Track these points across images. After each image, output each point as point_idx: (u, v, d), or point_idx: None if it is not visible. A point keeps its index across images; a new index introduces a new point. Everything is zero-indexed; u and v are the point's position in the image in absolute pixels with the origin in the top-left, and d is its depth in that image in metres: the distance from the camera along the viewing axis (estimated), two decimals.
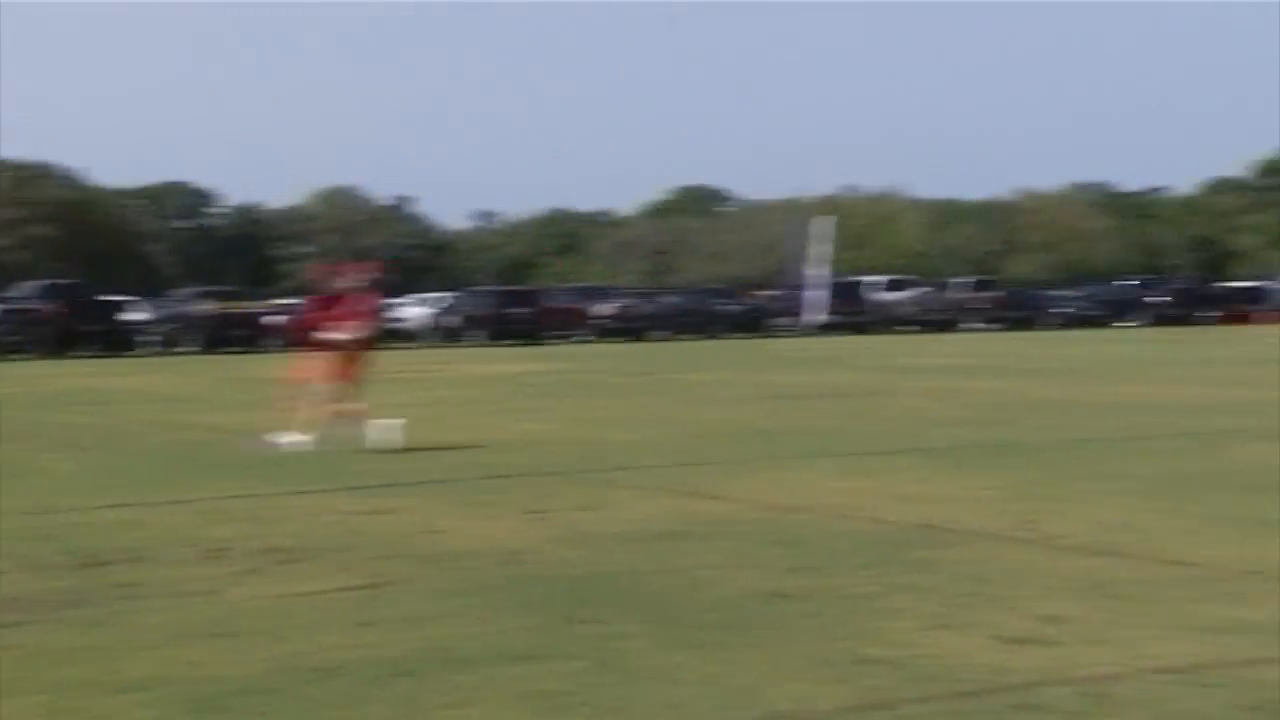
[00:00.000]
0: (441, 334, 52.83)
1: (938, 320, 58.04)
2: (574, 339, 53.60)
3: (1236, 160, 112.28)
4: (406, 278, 66.47)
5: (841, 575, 8.30)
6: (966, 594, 7.75)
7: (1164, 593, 7.70)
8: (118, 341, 48.30)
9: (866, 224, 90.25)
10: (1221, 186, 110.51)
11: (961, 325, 57.87)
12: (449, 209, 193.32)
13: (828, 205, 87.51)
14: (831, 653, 6.56)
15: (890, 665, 6.33)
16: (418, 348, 47.83)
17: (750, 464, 13.80)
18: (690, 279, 77.97)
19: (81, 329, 47.99)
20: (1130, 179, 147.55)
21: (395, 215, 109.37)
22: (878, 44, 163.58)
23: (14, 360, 45.40)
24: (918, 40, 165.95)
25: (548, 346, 49.38)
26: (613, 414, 20.00)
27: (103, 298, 51.38)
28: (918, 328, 57.38)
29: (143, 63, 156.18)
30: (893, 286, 60.83)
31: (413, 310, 55.12)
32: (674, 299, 59.16)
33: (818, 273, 60.08)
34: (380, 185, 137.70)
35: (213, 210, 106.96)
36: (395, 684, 6.15)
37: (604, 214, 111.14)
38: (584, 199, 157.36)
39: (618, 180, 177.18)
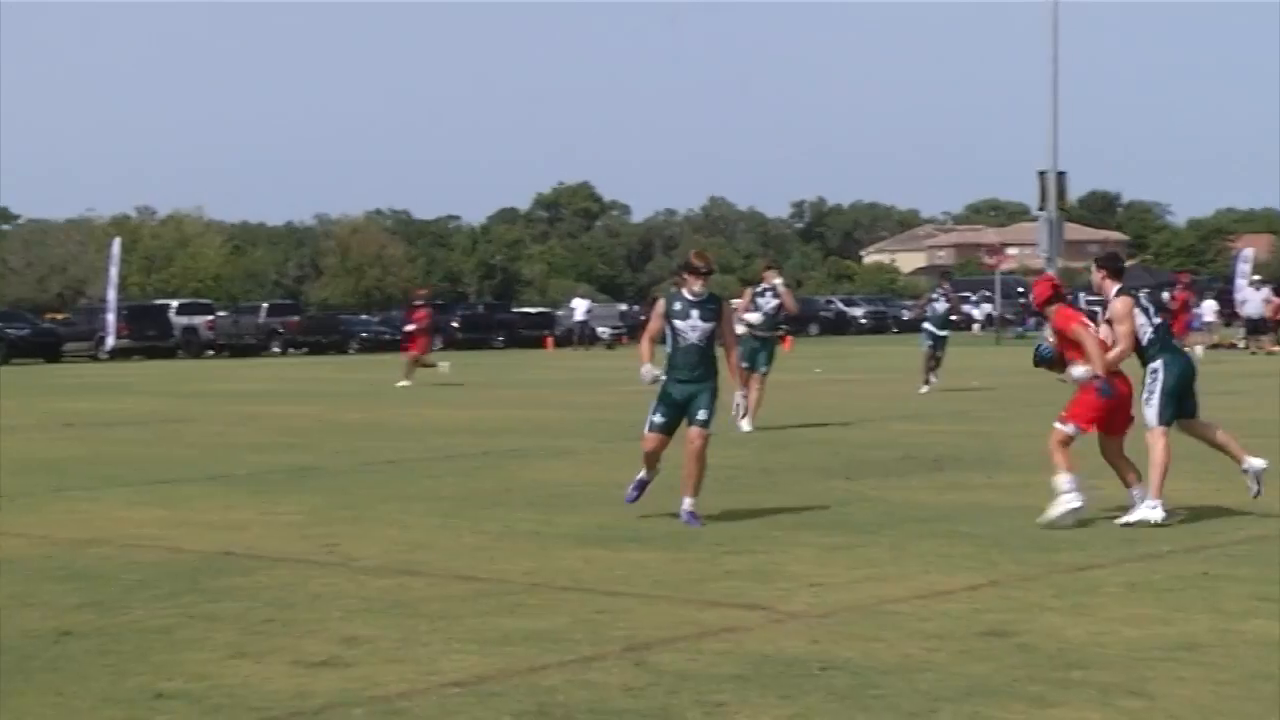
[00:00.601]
0: None
1: (240, 345, 57.37)
2: None
3: (519, 193, 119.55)
4: None
5: (137, 609, 8.07)
6: (266, 620, 7.73)
7: (458, 608, 8.02)
8: None
9: (163, 246, 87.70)
10: (508, 216, 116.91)
11: (265, 350, 57.50)
12: None
13: (121, 226, 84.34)
14: (124, 690, 6.36)
15: (186, 699, 6.22)
16: None
17: (35, 497, 13.09)
18: None
19: None
20: (425, 208, 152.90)
21: None
22: (191, 65, 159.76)
23: None
24: (213, 58, 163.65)
25: None
26: None
27: None
28: (220, 353, 56.51)
29: None
30: (187, 310, 59.27)
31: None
32: None
33: (112, 295, 57.72)
34: None
35: None
36: None
37: None
38: None
39: None
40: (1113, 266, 11.25)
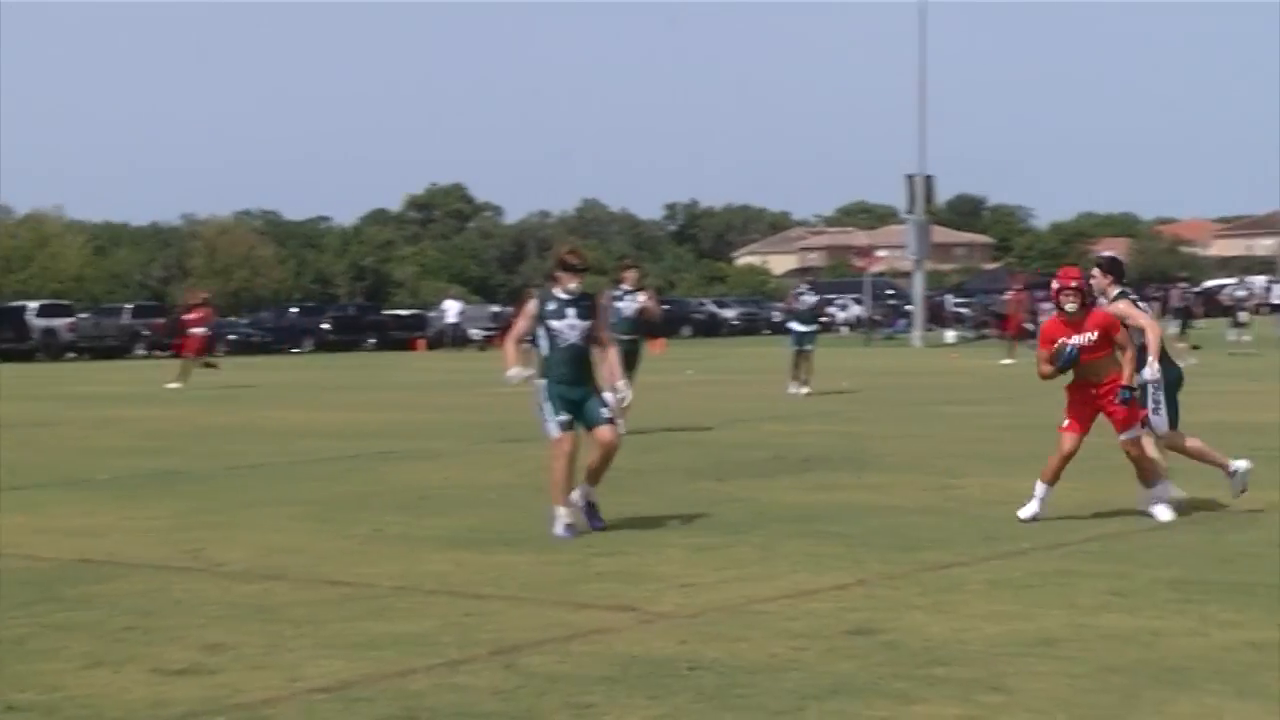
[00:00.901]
0: None
1: (103, 347, 56.19)
2: None
3: (390, 194, 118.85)
4: None
5: None
6: (126, 629, 7.59)
7: (323, 613, 7.94)
8: None
9: (21, 246, 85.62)
10: (379, 218, 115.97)
11: (128, 353, 56.38)
12: None
13: None
14: None
15: (39, 711, 6.09)
16: None
17: None
18: None
19: None
20: (296, 208, 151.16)
21: None
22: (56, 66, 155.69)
23: None
24: (74, 54, 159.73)
25: None
26: None
27: None
28: (82, 355, 55.31)
29: None
30: (47, 312, 57.86)
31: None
32: None
33: None
34: None
35: None
36: None
37: None
38: None
39: None
40: (1115, 270, 11.55)
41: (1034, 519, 10.76)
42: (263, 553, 9.92)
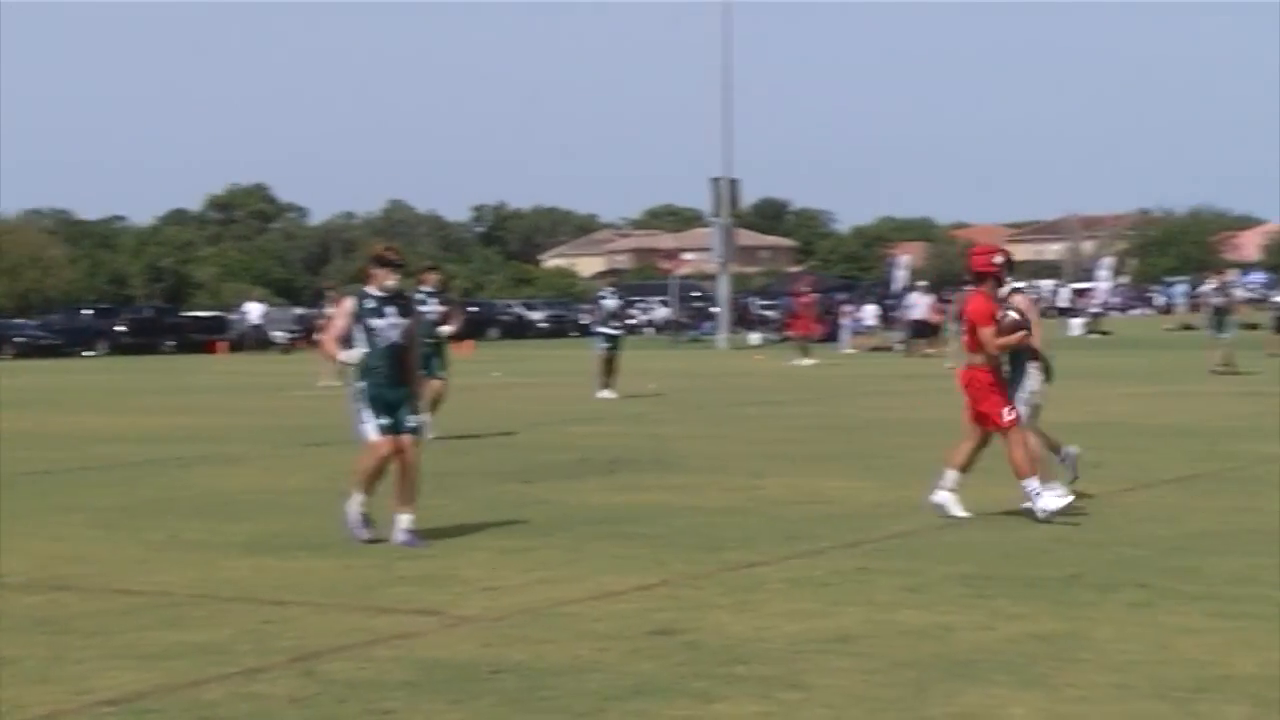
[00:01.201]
0: None
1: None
2: None
3: (192, 194, 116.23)
4: None
5: None
6: None
7: (113, 623, 7.72)
8: None
9: None
10: (178, 218, 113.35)
11: None
12: None
13: None
14: None
15: None
16: None
17: None
18: None
19: None
20: (90, 208, 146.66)
21: None
22: None
23: None
24: None
25: None
26: None
27: None
28: None
29: None
30: None
31: None
32: None
33: None
34: None
35: None
36: None
37: None
38: None
39: None
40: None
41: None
42: (48, 561, 9.61)
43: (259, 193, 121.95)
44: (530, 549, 9.94)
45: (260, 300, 66.57)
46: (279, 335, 59.80)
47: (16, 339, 56.76)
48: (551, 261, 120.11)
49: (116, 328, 59.66)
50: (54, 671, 6.71)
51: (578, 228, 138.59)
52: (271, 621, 7.72)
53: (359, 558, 9.64)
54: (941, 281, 60.38)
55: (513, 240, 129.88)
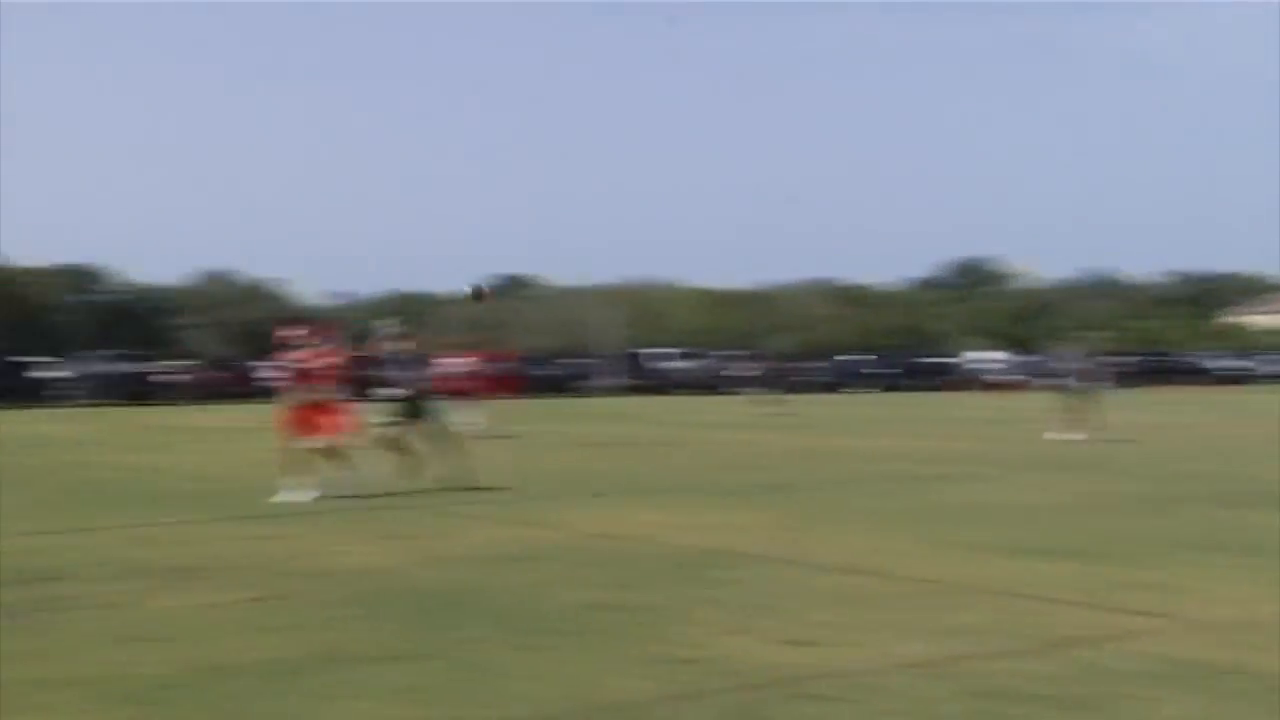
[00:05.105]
0: None
1: (709, 384, 58.72)
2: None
3: (933, 262, 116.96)
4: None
5: (649, 591, 8.33)
6: (751, 605, 7.83)
7: (903, 604, 7.90)
8: (25, 394, 47.81)
9: (649, 305, 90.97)
10: (925, 283, 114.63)
11: (732, 389, 58.66)
12: (312, 288, 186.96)
13: (619, 291, 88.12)
14: (645, 654, 6.58)
15: (693, 664, 6.38)
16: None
17: (570, 499, 13.78)
18: (508, 350, 77.34)
19: None
20: (853, 274, 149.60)
21: (262, 293, 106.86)
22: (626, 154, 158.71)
23: None
24: (660, 148, 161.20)
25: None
26: None
27: (12, 359, 51.47)
28: (690, 390, 58.03)
29: (50, 160, 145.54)
30: (673, 358, 61.60)
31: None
32: (504, 365, 58.64)
33: (610, 345, 60.72)
34: (252, 266, 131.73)
35: (105, 287, 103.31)
36: (288, 680, 5.99)
37: (435, 295, 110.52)
38: (432, 281, 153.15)
39: (452, 265, 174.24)
40: None
41: None
42: (850, 551, 9.98)
43: (989, 261, 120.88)
44: (1254, 567, 9.15)
45: (984, 348, 66.04)
46: (992, 376, 59.51)
47: (795, 379, 59.94)
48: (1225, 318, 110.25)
49: (885, 370, 61.65)
50: (863, 638, 6.95)
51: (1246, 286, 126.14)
52: (1023, 612, 7.60)
53: (1097, 564, 9.28)
54: None
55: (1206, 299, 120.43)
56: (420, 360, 15.52)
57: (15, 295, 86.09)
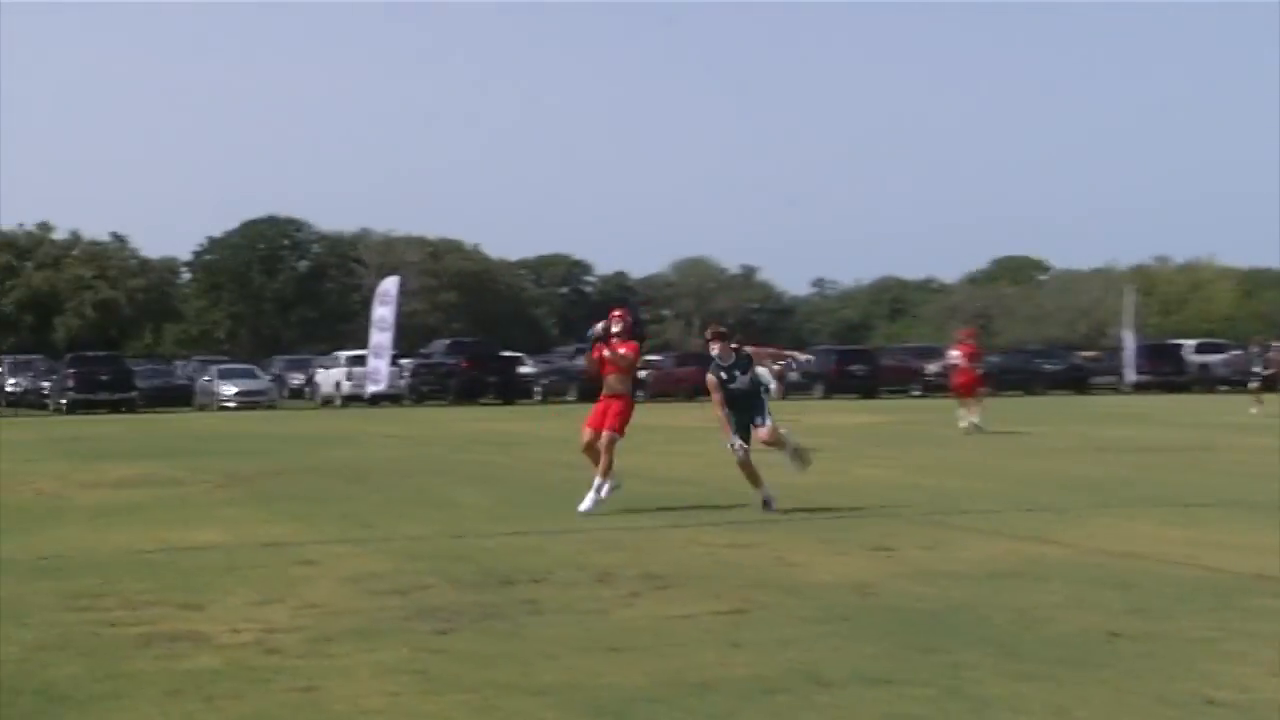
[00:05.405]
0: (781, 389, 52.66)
1: (1246, 380, 54.50)
2: (907, 394, 52.85)
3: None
4: (754, 339, 66.77)
5: (1177, 619, 7.78)
6: None
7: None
8: (514, 391, 50.16)
9: (1177, 290, 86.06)
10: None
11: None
12: (791, 277, 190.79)
13: (1139, 274, 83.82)
14: (1173, 693, 6.13)
15: (1235, 708, 5.87)
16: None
17: (1078, 511, 13.17)
18: (1008, 341, 75.66)
19: (484, 380, 50.18)
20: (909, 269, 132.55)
21: (743, 282, 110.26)
22: (1179, 118, 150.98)
23: (428, 406, 47.81)
24: (1222, 112, 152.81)
25: (884, 400, 48.80)
26: (947, 462, 19.48)
27: (502, 353, 53.74)
28: (1228, 388, 54.12)
29: (523, 157, 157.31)
30: (1202, 349, 57.85)
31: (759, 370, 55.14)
32: (994, 358, 57.52)
33: (1129, 336, 57.85)
34: (729, 255, 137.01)
35: (586, 278, 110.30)
36: (765, 700, 6.05)
37: (930, 282, 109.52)
38: (912, 268, 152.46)
39: (943, 251, 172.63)
40: None
41: None
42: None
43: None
44: None
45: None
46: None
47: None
48: None
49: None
50: None
51: None
52: None
53: None
54: None
55: None
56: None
57: (497, 289, 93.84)
